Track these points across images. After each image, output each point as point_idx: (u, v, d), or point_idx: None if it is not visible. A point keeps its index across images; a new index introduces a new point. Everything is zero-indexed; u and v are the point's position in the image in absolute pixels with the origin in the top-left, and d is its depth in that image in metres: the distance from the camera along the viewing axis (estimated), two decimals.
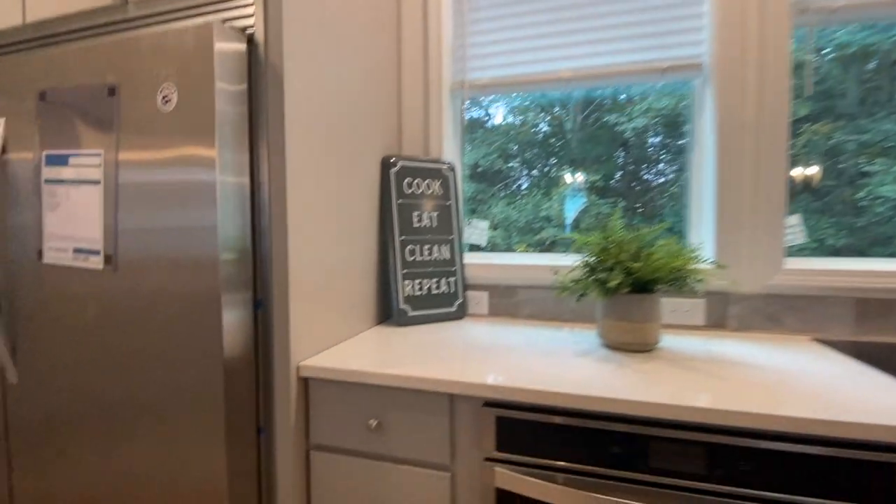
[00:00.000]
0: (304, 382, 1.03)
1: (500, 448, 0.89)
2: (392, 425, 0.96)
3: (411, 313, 1.38)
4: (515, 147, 1.67)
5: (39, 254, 1.03)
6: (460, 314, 1.47)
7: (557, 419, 0.85)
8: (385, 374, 0.93)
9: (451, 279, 1.46)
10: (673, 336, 1.24)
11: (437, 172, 1.48)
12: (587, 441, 0.84)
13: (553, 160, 1.64)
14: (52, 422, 1.06)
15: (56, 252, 1.01)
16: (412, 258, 1.40)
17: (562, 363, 1.00)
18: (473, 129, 1.68)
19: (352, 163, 1.23)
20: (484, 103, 1.69)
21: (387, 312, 1.46)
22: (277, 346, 0.99)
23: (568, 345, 1.16)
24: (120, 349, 0.98)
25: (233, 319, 0.92)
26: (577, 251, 1.19)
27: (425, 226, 1.44)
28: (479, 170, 1.70)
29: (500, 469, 0.88)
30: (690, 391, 0.83)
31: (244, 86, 0.95)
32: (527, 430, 0.87)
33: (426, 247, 1.43)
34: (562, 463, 0.85)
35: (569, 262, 1.25)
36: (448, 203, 1.49)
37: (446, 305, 1.45)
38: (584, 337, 1.25)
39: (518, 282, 1.47)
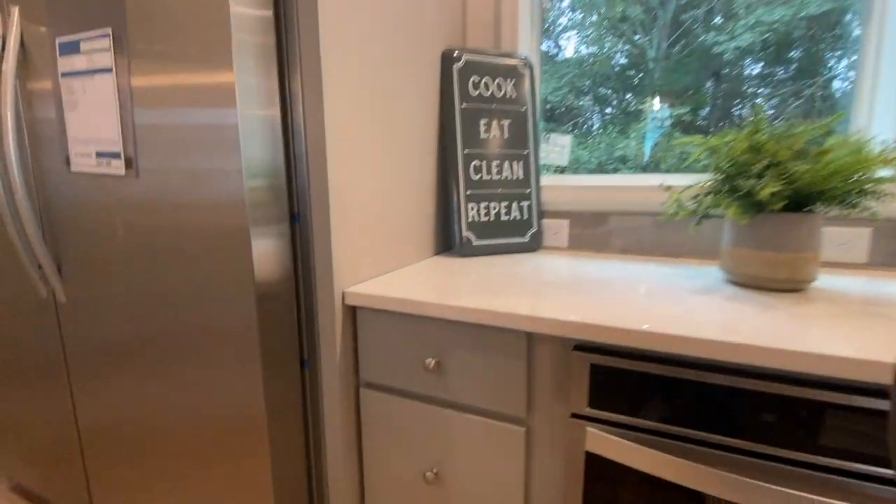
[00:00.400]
0: (352, 312, 0.87)
1: (593, 404, 0.68)
2: (454, 367, 0.79)
3: (476, 242, 1.17)
4: (588, 82, 1.38)
5: (67, 161, 0.93)
6: (534, 245, 1.24)
7: (682, 373, 0.62)
8: (447, 305, 0.75)
9: (525, 203, 1.22)
10: (825, 275, 0.93)
11: (510, 70, 1.20)
12: (723, 405, 0.60)
13: (631, 94, 1.36)
14: (102, 343, 1.01)
15: (82, 158, 0.90)
16: (478, 177, 1.17)
17: (680, 303, 0.75)
18: (542, 62, 1.37)
19: (405, 58, 0.99)
20: (554, 33, 1.39)
21: (447, 242, 1.26)
22: (319, 269, 0.83)
23: (682, 281, 0.90)
24: (149, 270, 0.87)
25: (265, 239, 0.77)
26: (696, 167, 0.89)
27: (494, 137, 1.19)
28: (548, 106, 1.42)
29: (592, 430, 0.68)
30: (883, 345, 0.55)
31: None
32: (632, 384, 0.65)
33: (495, 163, 1.19)
34: (680, 429, 0.63)
35: (682, 181, 0.96)
36: (523, 109, 1.22)
37: (517, 234, 1.22)
38: (701, 273, 0.97)
39: (609, 206, 1.19)
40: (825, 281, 0.88)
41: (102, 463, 1.12)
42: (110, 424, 1.06)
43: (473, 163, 1.16)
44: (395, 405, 0.86)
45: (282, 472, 0.85)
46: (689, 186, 0.92)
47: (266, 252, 0.77)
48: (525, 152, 1.22)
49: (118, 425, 1.05)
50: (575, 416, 0.70)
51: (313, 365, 0.87)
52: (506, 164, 1.20)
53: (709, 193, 0.85)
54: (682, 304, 0.73)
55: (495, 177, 1.19)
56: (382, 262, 0.96)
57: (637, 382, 0.65)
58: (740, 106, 1.24)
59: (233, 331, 0.80)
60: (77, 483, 1.20)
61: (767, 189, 0.70)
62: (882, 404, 0.53)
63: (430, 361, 0.78)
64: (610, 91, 1.39)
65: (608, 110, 1.41)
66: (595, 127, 1.43)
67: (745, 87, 1.22)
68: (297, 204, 0.82)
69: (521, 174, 1.22)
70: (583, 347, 0.68)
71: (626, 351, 0.66)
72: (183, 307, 0.85)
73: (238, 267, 0.76)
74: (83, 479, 1.18)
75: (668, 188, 0.94)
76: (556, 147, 1.38)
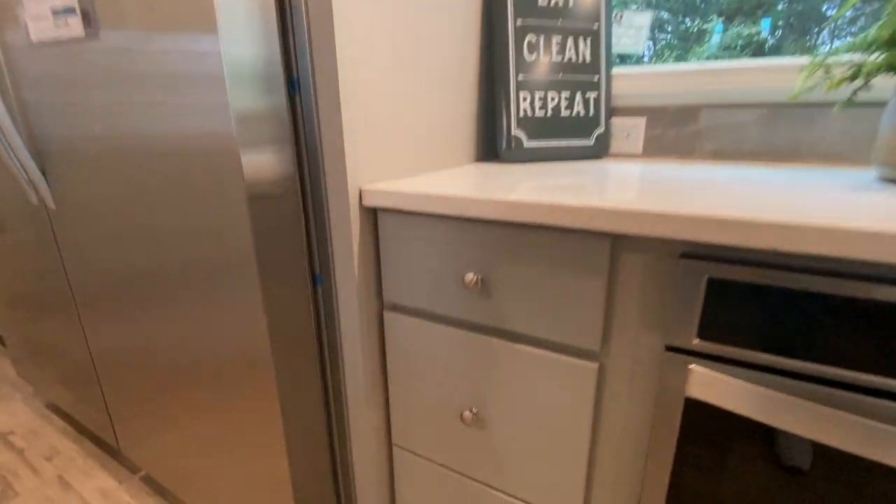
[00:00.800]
0: (372, 216, 0.69)
1: (704, 333, 0.48)
2: (503, 284, 0.60)
3: (527, 144, 0.94)
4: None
5: (27, 31, 0.76)
6: (599, 151, 1.00)
7: (856, 289, 0.41)
8: (498, 199, 0.54)
9: (591, 95, 0.97)
10: None
11: None
12: None
13: (692, 17, 1.08)
14: (99, 257, 0.89)
15: (38, 24, 0.72)
16: (533, 56, 0.91)
17: (830, 200, 0.52)
18: None
19: None
20: None
21: (490, 148, 1.04)
22: (328, 158, 0.64)
23: (815, 181, 0.65)
24: (133, 159, 0.71)
25: (254, 119, 0.57)
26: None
27: (556, 5, 0.92)
28: None
29: (699, 368, 0.49)
30: None
31: None
32: (763, 308, 0.44)
33: (555, 39, 0.92)
34: (834, 371, 0.43)
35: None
36: None
37: (580, 135, 0.98)
38: (839, 175, 0.72)
39: (701, 98, 0.92)
40: None
41: (117, 389, 1.05)
42: (119, 350, 0.97)
43: (528, 37, 0.90)
44: (426, 332, 0.69)
45: (294, 407, 0.72)
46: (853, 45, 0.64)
47: (255, 134, 0.58)
48: (594, 27, 0.94)
49: (127, 352, 0.95)
50: (673, 349, 0.51)
51: (326, 281, 0.71)
52: (569, 42, 0.93)
53: (883, 45, 0.58)
54: (843, 201, 0.50)
55: (555, 57, 0.93)
56: (408, 162, 0.76)
57: (773, 305, 0.44)
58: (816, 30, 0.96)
59: (224, 235, 0.64)
60: (98, 406, 1.15)
61: None
62: None
63: (472, 277, 0.60)
64: (667, 14, 1.15)
65: (663, 36, 1.18)
66: (648, 56, 1.13)
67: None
68: (295, 67, 0.62)
69: (587, 56, 0.95)
70: (695, 255, 0.47)
71: (761, 260, 0.45)
72: (172, 209, 0.69)
73: (221, 157, 0.58)
74: (102, 404, 1.13)
75: (814, 63, 0.66)
76: (631, 29, 1.08)
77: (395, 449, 0.82)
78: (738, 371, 0.47)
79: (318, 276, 0.71)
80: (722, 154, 0.93)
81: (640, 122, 0.99)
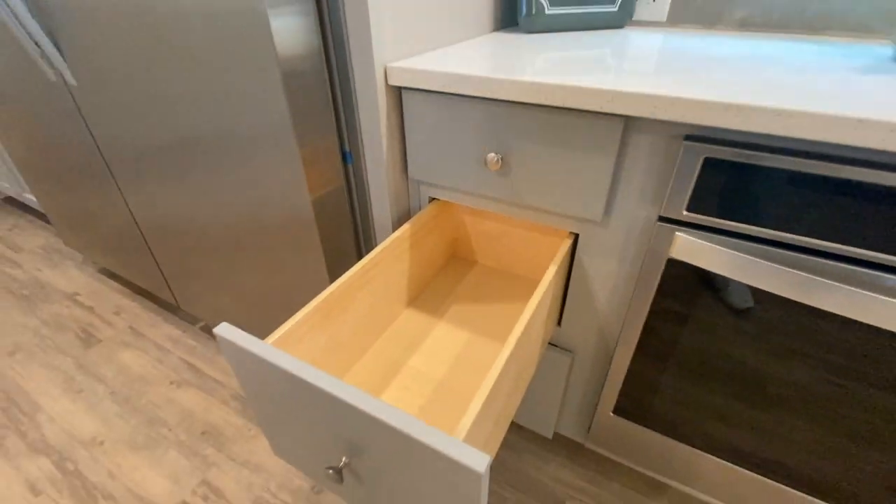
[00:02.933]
0: (397, 95, 0.72)
1: (693, 206, 0.56)
2: (521, 163, 0.66)
3: (549, 10, 0.90)
4: None
5: None
6: (622, 18, 0.96)
7: (840, 171, 0.47)
8: (520, 80, 0.58)
9: None
10: None
11: None
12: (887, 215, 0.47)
13: None
14: (127, 131, 0.94)
15: None
16: None
17: (842, 81, 0.55)
18: None
19: None
20: None
21: (510, 14, 0.99)
22: (353, 36, 0.64)
23: (838, 59, 0.67)
24: (154, 46, 0.71)
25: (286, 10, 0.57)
26: None
27: None
28: None
29: (682, 234, 0.58)
30: None
31: None
32: (752, 188, 0.52)
33: None
34: (804, 240, 0.52)
35: None
36: None
37: (603, 1, 0.93)
38: (864, 52, 0.72)
39: None
40: None
41: (168, 252, 1.18)
42: (162, 215, 1.07)
43: None
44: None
45: (334, 263, 0.84)
46: None
47: (285, 11, 0.58)
48: None
49: (171, 216, 1.05)
50: (663, 219, 0.60)
51: (355, 160, 0.77)
52: None
53: None
54: (847, 85, 0.53)
55: None
56: (430, 35, 0.75)
57: (766, 187, 0.51)
58: None
59: (259, 111, 0.68)
60: (152, 269, 1.30)
61: None
62: None
63: (493, 157, 0.66)
64: None
65: None
66: None
67: None
68: None
69: None
70: (697, 137, 0.53)
71: (756, 142, 0.51)
72: (201, 74, 0.72)
73: (253, 30, 0.59)
74: (155, 266, 1.27)
75: None
76: None
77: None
78: (714, 237, 0.57)
79: (348, 154, 0.77)
80: (749, 23, 0.90)
81: None
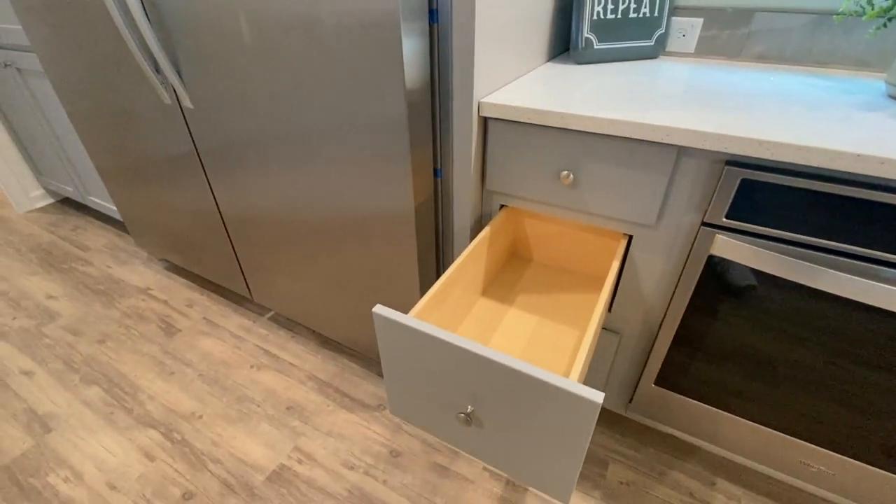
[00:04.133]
0: (483, 122, 0.89)
1: (731, 214, 0.73)
2: (588, 180, 0.83)
3: (597, 46, 1.07)
4: None
5: None
6: (656, 51, 1.12)
7: (843, 190, 0.64)
8: (594, 117, 0.74)
9: None
10: None
11: None
12: (885, 223, 0.64)
13: None
14: (234, 145, 1.10)
15: None
16: None
17: (847, 120, 0.71)
18: None
19: None
20: None
21: (560, 44, 1.16)
22: (457, 75, 0.81)
23: (841, 95, 0.83)
24: (284, 70, 0.88)
25: (412, 36, 0.73)
26: None
27: None
28: None
29: (722, 236, 0.75)
30: None
31: None
32: (781, 202, 0.68)
33: None
34: (820, 241, 0.69)
35: None
36: None
37: (643, 36, 1.09)
38: (861, 86, 0.88)
39: (758, 2, 1.02)
40: None
41: (249, 248, 1.34)
42: (252, 216, 1.23)
43: None
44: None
45: (423, 256, 1.00)
46: None
47: (413, 49, 0.74)
48: None
49: (259, 216, 1.21)
50: (707, 224, 0.76)
51: (446, 174, 0.93)
52: None
53: None
54: (849, 121, 0.70)
55: None
56: (506, 69, 0.92)
57: (788, 201, 0.68)
58: None
59: (379, 130, 0.84)
60: (230, 265, 1.47)
61: None
62: None
63: (566, 174, 0.82)
64: None
65: None
66: None
67: None
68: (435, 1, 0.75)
69: None
70: (736, 163, 0.69)
71: (782, 167, 0.67)
72: (319, 105, 0.88)
73: (387, 61, 0.75)
74: (235, 262, 1.44)
75: None
76: None
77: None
78: (747, 238, 0.73)
79: (438, 171, 0.93)
80: (766, 57, 1.06)
81: (698, 23, 1.09)
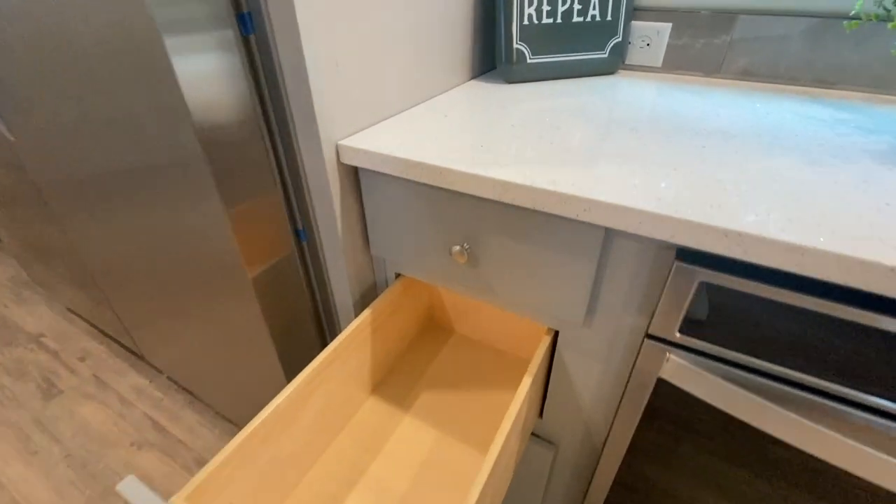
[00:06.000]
0: (353, 173, 0.64)
1: (686, 329, 0.48)
2: (490, 256, 0.58)
3: (531, 59, 0.81)
4: None
5: None
6: (613, 64, 0.87)
7: (846, 313, 0.39)
8: (482, 176, 0.49)
9: None
10: None
11: None
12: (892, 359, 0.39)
13: None
14: (71, 182, 0.85)
15: None
16: None
17: (865, 184, 0.46)
18: None
19: None
20: None
21: (490, 58, 0.91)
22: (297, 109, 0.56)
23: (852, 135, 0.58)
24: (88, 97, 0.63)
25: (201, 57, 0.48)
26: None
27: None
28: None
29: (676, 359, 0.50)
30: None
31: None
32: (767, 320, 0.43)
33: None
34: (798, 375, 0.44)
35: None
36: None
37: (593, 47, 0.84)
38: (879, 119, 0.63)
39: (741, 2, 0.77)
40: None
41: (124, 300, 1.09)
42: (114, 262, 0.99)
43: None
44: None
45: (291, 347, 0.76)
46: None
47: (202, 70, 0.49)
48: None
49: (121, 262, 0.97)
50: (654, 337, 0.51)
51: (311, 237, 0.69)
52: None
53: None
54: (872, 189, 0.45)
55: None
56: (393, 95, 0.67)
57: (756, 316, 0.43)
58: None
59: (179, 175, 0.59)
60: (110, 314, 1.22)
61: None
62: None
63: (459, 249, 0.58)
64: None
65: None
66: None
67: None
68: (245, 2, 0.50)
69: None
70: (690, 258, 0.44)
71: (756, 270, 0.42)
72: (126, 138, 0.63)
73: (163, 86, 0.50)
74: (109, 307, 1.19)
75: None
76: None
77: None
78: (709, 364, 0.48)
79: (301, 232, 0.69)
80: (753, 72, 0.81)
81: (665, 29, 0.84)
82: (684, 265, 0.44)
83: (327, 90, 0.54)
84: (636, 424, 0.59)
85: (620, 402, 0.59)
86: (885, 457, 0.42)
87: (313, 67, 0.51)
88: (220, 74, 0.50)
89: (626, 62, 0.90)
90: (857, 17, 0.56)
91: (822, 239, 0.37)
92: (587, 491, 0.75)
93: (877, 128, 0.60)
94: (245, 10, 0.50)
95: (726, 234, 0.39)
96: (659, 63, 0.88)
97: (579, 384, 0.64)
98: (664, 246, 0.46)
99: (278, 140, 0.60)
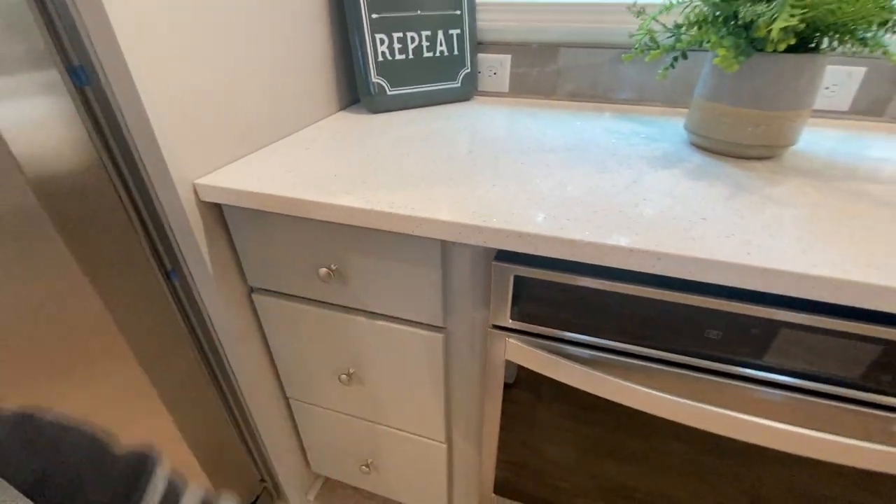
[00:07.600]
0: (216, 209, 0.66)
1: (516, 316, 0.57)
2: (356, 274, 0.63)
3: (390, 92, 0.89)
4: None
5: None
6: (467, 92, 0.98)
7: (624, 288, 0.50)
8: (333, 204, 0.55)
9: (454, 32, 0.91)
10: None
11: None
12: (665, 321, 0.51)
13: None
14: None
15: None
16: None
17: (635, 185, 0.59)
18: None
19: None
20: None
21: (355, 91, 0.98)
22: (145, 154, 0.57)
23: (639, 145, 0.72)
24: None
25: (31, 111, 0.49)
26: None
27: None
28: None
29: (513, 341, 0.59)
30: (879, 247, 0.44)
31: None
32: (560, 297, 0.53)
33: None
34: (612, 343, 0.55)
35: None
36: None
37: (446, 78, 0.94)
38: (665, 131, 0.79)
39: (561, 36, 0.92)
40: (803, 139, 0.73)
41: None
42: None
43: None
44: (295, 311, 0.73)
45: (179, 395, 0.75)
46: (669, 6, 0.66)
47: (30, 123, 0.49)
48: None
49: None
50: (497, 327, 0.60)
51: (181, 277, 0.69)
52: None
53: (694, 24, 0.61)
54: (638, 188, 0.57)
55: None
56: (253, 133, 0.70)
57: (566, 296, 0.53)
58: None
59: (21, 228, 0.58)
60: None
61: (779, 22, 0.48)
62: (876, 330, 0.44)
63: (325, 271, 0.62)
64: None
65: None
66: None
67: None
68: (75, 54, 0.51)
69: None
70: (505, 258, 0.54)
71: (554, 261, 0.52)
72: None
73: None
74: None
75: (640, 13, 0.68)
76: None
77: (290, 401, 0.90)
78: (538, 342, 0.58)
79: (172, 272, 0.69)
80: (579, 94, 0.96)
81: (506, 60, 0.97)
82: (501, 264, 0.53)
83: (174, 132, 0.57)
84: (500, 406, 0.68)
85: (485, 390, 0.68)
86: (665, 395, 0.53)
87: (154, 112, 0.54)
88: (48, 121, 0.51)
89: (480, 89, 1.02)
90: (633, 51, 0.71)
91: (587, 233, 0.47)
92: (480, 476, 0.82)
93: (660, 137, 0.76)
94: (76, 63, 0.52)
95: (520, 235, 0.48)
96: (506, 89, 1.00)
97: (456, 380, 0.71)
98: (486, 250, 0.55)
99: (131, 185, 0.60)
